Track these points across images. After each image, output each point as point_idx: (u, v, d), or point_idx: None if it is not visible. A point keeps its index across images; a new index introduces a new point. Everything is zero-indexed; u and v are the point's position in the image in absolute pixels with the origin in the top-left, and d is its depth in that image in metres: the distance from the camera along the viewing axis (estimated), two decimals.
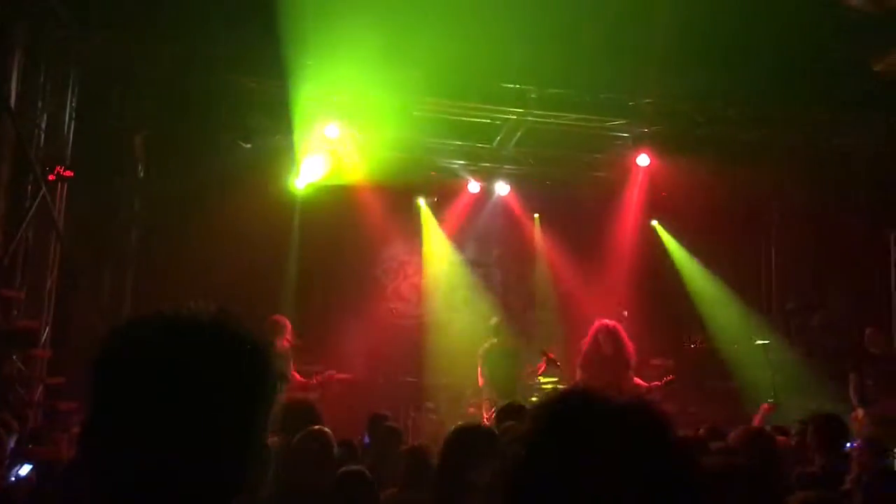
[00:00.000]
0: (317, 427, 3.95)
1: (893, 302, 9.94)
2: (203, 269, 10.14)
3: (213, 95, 8.90)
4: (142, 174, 10.05)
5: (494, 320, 9.71)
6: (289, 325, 8.79)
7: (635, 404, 1.29)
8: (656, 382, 8.82)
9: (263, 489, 3.16)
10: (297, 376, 8.91)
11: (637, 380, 8.69)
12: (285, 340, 8.67)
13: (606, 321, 8.74)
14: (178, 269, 10.03)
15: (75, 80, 8.58)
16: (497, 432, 4.79)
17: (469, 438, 2.97)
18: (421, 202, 11.92)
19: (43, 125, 8.13)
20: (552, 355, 8.96)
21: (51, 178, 7.97)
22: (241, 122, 9.27)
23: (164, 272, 9.91)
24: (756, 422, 8.42)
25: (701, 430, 5.68)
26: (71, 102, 8.56)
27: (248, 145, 9.63)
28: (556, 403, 1.29)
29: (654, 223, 12.15)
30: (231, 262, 10.21)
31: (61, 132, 8.46)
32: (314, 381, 8.93)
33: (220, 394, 1.08)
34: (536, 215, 12.34)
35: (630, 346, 8.48)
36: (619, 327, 8.59)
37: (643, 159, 10.62)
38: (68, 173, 8.17)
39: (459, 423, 2.95)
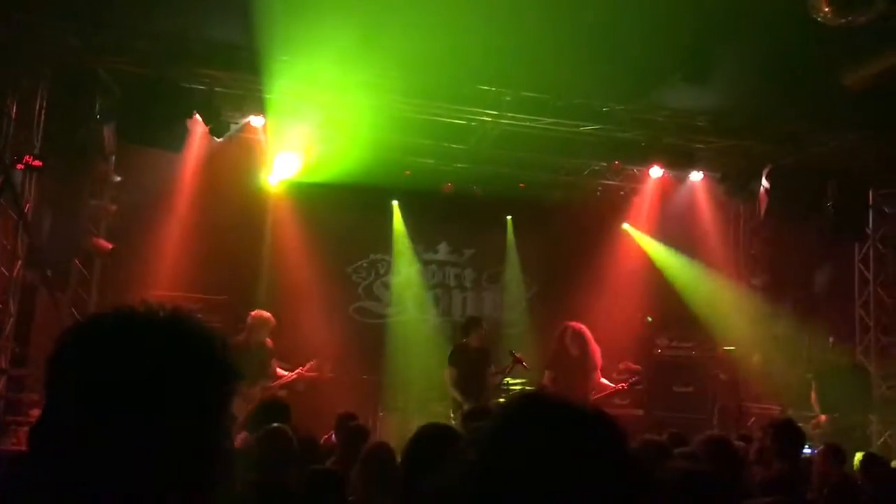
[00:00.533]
0: (276, 425, 3.93)
1: (857, 313, 10.11)
2: (173, 263, 10.09)
3: (184, 88, 8.82)
4: (112, 166, 9.94)
5: (466, 320, 9.73)
6: (273, 321, 8.76)
7: (593, 411, 1.31)
8: (622, 384, 8.91)
9: (230, 487, 3.14)
10: (280, 372, 8.93)
11: (603, 381, 8.77)
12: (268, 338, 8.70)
13: (574, 323, 8.82)
14: (148, 263, 9.95)
15: (46, 70, 8.47)
16: (463, 434, 4.82)
17: (432, 439, 2.99)
18: (394, 202, 11.91)
19: (12, 114, 8.03)
20: (520, 356, 9.01)
21: (19, 167, 7.86)
22: (213, 116, 9.19)
23: (133, 265, 9.82)
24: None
25: (664, 435, 5.76)
26: (41, 92, 8.45)
27: (220, 139, 9.56)
28: (515, 407, 1.31)
29: (626, 226, 12.27)
30: (202, 255, 10.17)
31: (31, 122, 8.36)
32: (296, 375, 8.93)
33: (171, 393, 1.07)
34: (509, 217, 12.41)
35: (596, 348, 8.56)
36: (585, 329, 8.67)
37: (616, 165, 10.73)
38: (37, 163, 8.06)
39: (423, 425, 2.97)
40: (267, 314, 8.86)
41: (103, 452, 1.04)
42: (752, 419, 10.14)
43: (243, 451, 4.41)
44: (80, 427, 1.05)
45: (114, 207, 9.83)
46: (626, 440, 1.29)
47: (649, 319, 10.42)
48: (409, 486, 2.94)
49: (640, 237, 12.15)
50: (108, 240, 9.84)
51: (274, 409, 4.99)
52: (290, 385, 8.91)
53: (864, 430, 8.92)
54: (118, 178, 9.95)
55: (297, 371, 8.99)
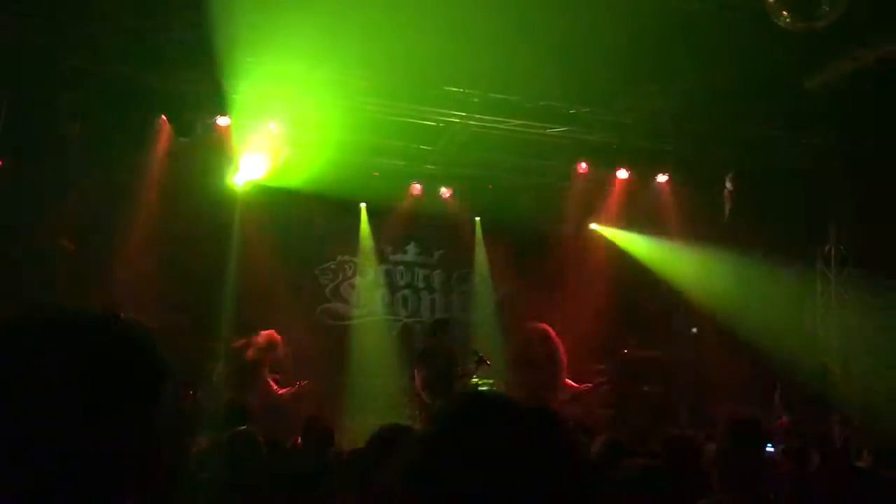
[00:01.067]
0: (243, 428, 3.91)
1: (818, 316, 10.24)
2: (137, 263, 9.97)
3: (150, 88, 8.73)
4: (74, 167, 9.80)
5: (434, 322, 9.72)
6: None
7: (536, 410, 1.31)
8: (588, 385, 8.96)
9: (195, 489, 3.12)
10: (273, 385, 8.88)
11: (568, 382, 8.82)
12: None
13: (540, 324, 8.85)
14: (112, 264, 9.83)
15: (8, 71, 8.34)
16: None
17: (388, 440, 2.98)
18: (361, 204, 11.87)
19: None
20: (483, 356, 9.04)
21: None
22: (178, 115, 9.11)
23: (98, 265, 9.69)
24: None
25: (626, 435, 5.81)
26: (4, 91, 8.32)
27: (187, 139, 9.47)
28: (455, 407, 1.30)
29: (593, 226, 12.33)
30: (168, 256, 10.06)
31: None
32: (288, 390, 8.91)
33: (85, 392, 1.06)
34: (478, 219, 12.42)
35: (562, 349, 8.60)
36: (552, 331, 8.71)
37: (582, 167, 10.79)
38: None
39: (381, 427, 2.96)
40: (277, 337, 8.91)
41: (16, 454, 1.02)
42: (719, 418, 10.23)
43: (209, 453, 4.38)
44: None
45: (78, 207, 9.68)
46: (570, 438, 1.28)
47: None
48: (365, 486, 2.93)
49: (610, 232, 12.19)
50: (71, 241, 9.70)
51: (234, 412, 4.95)
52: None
53: (825, 430, 9.05)
54: (82, 178, 9.81)
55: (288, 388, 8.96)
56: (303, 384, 8.92)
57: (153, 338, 1.19)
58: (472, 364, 9.02)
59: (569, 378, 8.90)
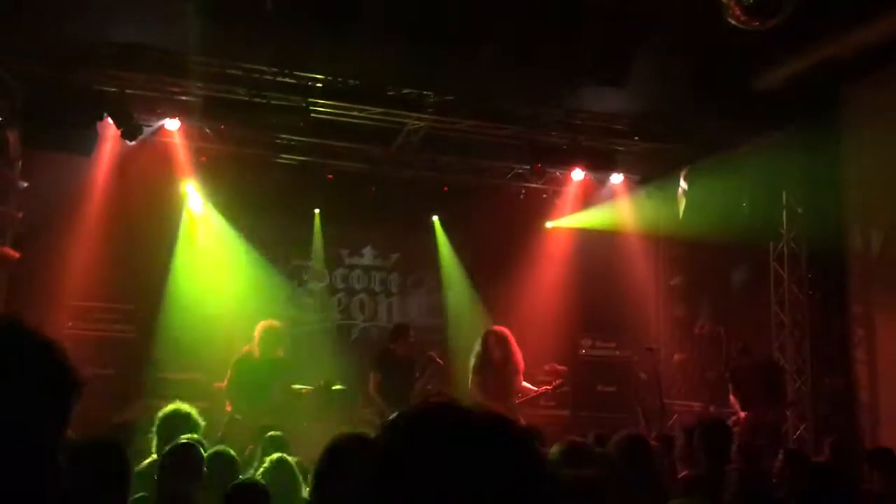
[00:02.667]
0: (185, 439, 3.76)
1: (773, 310, 10.36)
2: (83, 271, 9.72)
3: (94, 91, 8.51)
4: (18, 172, 9.52)
5: (392, 327, 9.61)
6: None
7: (495, 419, 1.23)
8: (546, 387, 8.94)
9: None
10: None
11: (526, 385, 8.78)
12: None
13: (497, 327, 8.81)
14: (58, 272, 9.56)
15: None
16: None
17: (344, 450, 2.89)
18: (315, 210, 11.71)
19: None
20: (433, 354, 9.00)
21: None
22: (125, 118, 8.89)
23: (43, 274, 9.42)
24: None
25: (589, 437, 5.76)
26: None
27: (133, 142, 9.24)
28: (413, 416, 1.23)
29: (549, 225, 12.36)
30: (114, 263, 9.83)
31: None
32: None
33: None
34: (435, 217, 12.31)
35: (518, 352, 8.57)
36: (509, 333, 8.67)
37: (538, 167, 10.79)
38: None
39: (336, 435, 2.86)
40: (276, 323, 8.58)
41: None
42: (675, 416, 10.31)
43: (152, 468, 4.23)
44: None
45: (20, 214, 9.40)
46: (532, 450, 1.21)
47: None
48: (321, 497, 2.83)
49: (567, 232, 12.22)
50: (14, 248, 9.41)
51: (178, 419, 4.79)
52: None
53: (779, 426, 9.16)
54: (24, 184, 9.53)
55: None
56: None
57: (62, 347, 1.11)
58: (423, 363, 8.96)
59: (527, 380, 8.87)
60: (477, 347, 8.64)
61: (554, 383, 9.03)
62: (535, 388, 8.85)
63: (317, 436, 9.69)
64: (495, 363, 8.48)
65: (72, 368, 1.11)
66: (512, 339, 8.59)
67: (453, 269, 12.43)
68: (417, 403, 1.28)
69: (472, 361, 8.68)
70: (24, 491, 1.03)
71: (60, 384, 1.09)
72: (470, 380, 8.71)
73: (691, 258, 11.52)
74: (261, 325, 8.44)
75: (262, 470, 3.93)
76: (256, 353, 8.33)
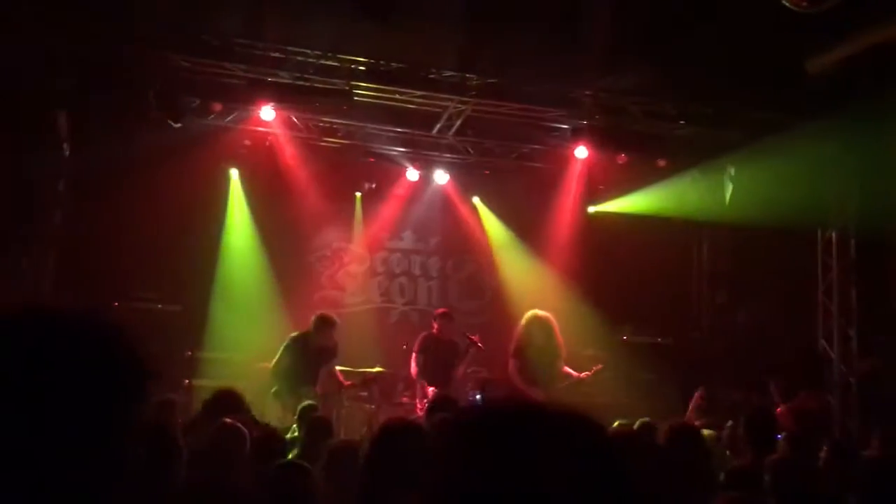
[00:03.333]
0: (227, 421, 3.78)
1: (819, 300, 10.18)
2: (130, 251, 9.87)
3: (141, 73, 8.60)
4: (66, 153, 9.68)
5: (435, 313, 9.60)
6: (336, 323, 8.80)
7: (574, 417, 1.20)
8: (586, 372, 8.90)
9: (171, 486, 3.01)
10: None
11: (567, 369, 8.76)
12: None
13: (539, 312, 8.77)
14: (104, 252, 9.72)
15: None
16: (427, 426, 4.72)
17: (396, 435, 2.89)
18: (357, 192, 11.73)
19: None
20: (475, 338, 8.99)
21: None
22: (170, 100, 8.97)
23: (89, 254, 9.59)
24: (690, 410, 8.59)
25: (636, 426, 5.72)
26: None
27: (178, 125, 9.33)
28: (490, 416, 1.20)
29: (591, 209, 12.22)
30: (160, 245, 9.96)
31: None
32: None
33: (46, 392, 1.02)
34: (476, 199, 12.22)
35: (560, 337, 8.54)
36: (552, 318, 8.64)
37: (581, 151, 10.68)
38: None
39: (388, 417, 2.87)
40: (330, 316, 8.76)
41: None
42: (718, 406, 10.19)
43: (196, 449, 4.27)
44: None
45: (69, 193, 9.58)
46: (611, 445, 1.19)
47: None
48: (372, 482, 2.84)
49: (609, 216, 12.10)
50: (63, 227, 9.61)
51: (226, 401, 4.83)
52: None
53: (825, 415, 9.03)
54: (73, 163, 9.69)
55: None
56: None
57: (136, 337, 1.13)
58: (464, 346, 8.96)
59: (568, 366, 8.84)
60: (519, 331, 8.62)
61: (594, 369, 8.99)
62: (577, 374, 8.81)
63: (358, 417, 9.82)
64: (536, 348, 8.46)
65: (146, 362, 1.13)
66: (555, 324, 8.56)
67: (493, 254, 12.39)
68: (486, 398, 1.25)
69: (514, 345, 8.67)
70: (99, 482, 1.05)
71: (135, 379, 1.11)
72: (510, 364, 8.71)
73: (736, 245, 11.33)
74: (317, 317, 8.58)
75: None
76: (311, 339, 8.44)
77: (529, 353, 8.64)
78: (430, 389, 8.59)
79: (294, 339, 8.55)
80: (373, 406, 9.34)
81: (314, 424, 5.75)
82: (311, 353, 8.48)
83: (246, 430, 3.78)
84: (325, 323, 8.61)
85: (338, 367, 9.09)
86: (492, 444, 1.11)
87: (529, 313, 8.85)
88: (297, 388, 8.15)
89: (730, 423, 5.70)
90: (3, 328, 1.06)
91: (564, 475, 1.08)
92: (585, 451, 1.12)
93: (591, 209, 12.26)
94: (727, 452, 5.65)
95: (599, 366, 9.16)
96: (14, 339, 1.04)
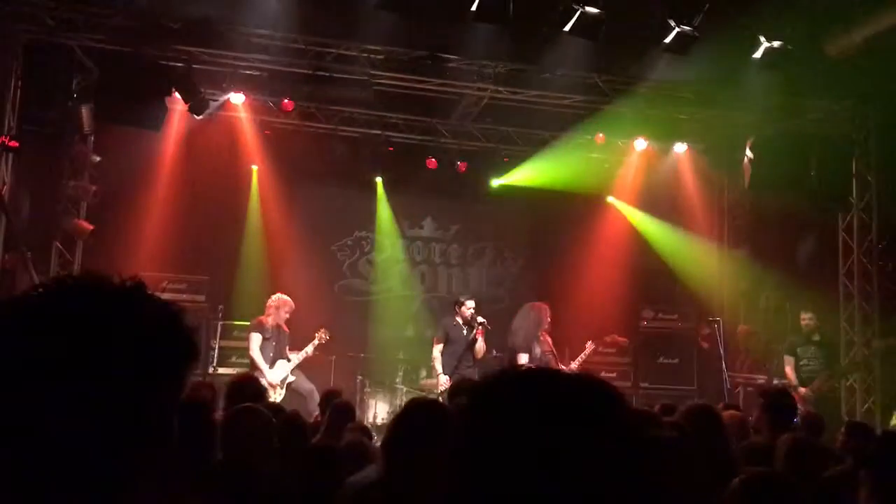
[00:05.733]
0: (248, 404, 3.84)
1: (840, 281, 10.15)
2: (155, 243, 10.01)
3: (162, 66, 8.70)
4: (90, 146, 9.82)
5: (455, 300, 9.62)
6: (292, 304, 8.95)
7: (588, 379, 1.23)
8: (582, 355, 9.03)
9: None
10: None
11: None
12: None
13: (540, 304, 8.87)
14: (129, 243, 9.86)
15: (20, 48, 8.32)
16: (450, 408, 4.79)
17: (419, 415, 2.96)
18: (378, 178, 11.79)
19: None
20: (483, 321, 9.00)
21: None
22: (192, 93, 9.07)
23: (115, 246, 9.73)
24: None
25: (657, 407, 5.76)
26: (16, 71, 8.30)
27: (200, 117, 9.44)
28: (504, 383, 1.21)
29: (611, 199, 12.24)
30: (184, 235, 10.10)
31: (6, 101, 8.22)
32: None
33: (103, 364, 1.02)
34: (496, 182, 12.20)
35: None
36: (542, 308, 8.75)
37: (599, 137, 10.69)
38: (14, 143, 7.93)
39: (411, 399, 2.94)
40: (286, 297, 8.91)
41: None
42: (738, 389, 10.21)
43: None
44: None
45: (94, 188, 9.71)
46: (626, 405, 1.20)
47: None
48: (396, 460, 2.91)
49: (625, 208, 12.14)
50: (88, 221, 9.74)
51: (246, 388, 4.92)
52: None
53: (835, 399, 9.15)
54: (97, 159, 9.83)
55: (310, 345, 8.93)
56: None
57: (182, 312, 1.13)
58: (477, 330, 8.97)
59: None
60: (521, 322, 8.69)
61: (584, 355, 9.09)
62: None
63: (379, 402, 9.93)
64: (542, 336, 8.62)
65: (192, 334, 1.12)
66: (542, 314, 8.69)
67: (513, 241, 12.43)
68: (501, 372, 1.24)
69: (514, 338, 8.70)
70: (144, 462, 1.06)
71: (181, 351, 1.10)
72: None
73: (757, 228, 11.29)
74: None
75: None
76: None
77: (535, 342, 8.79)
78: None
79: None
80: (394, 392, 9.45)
81: (337, 408, 5.83)
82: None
83: (269, 414, 3.84)
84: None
85: None
86: (507, 416, 1.12)
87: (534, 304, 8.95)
88: None
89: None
90: (49, 299, 1.06)
91: (582, 447, 1.09)
92: (602, 419, 1.13)
93: (610, 199, 12.28)
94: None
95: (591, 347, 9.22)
96: (59, 310, 1.03)
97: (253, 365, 8.55)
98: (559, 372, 1.22)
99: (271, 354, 8.63)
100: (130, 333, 1.05)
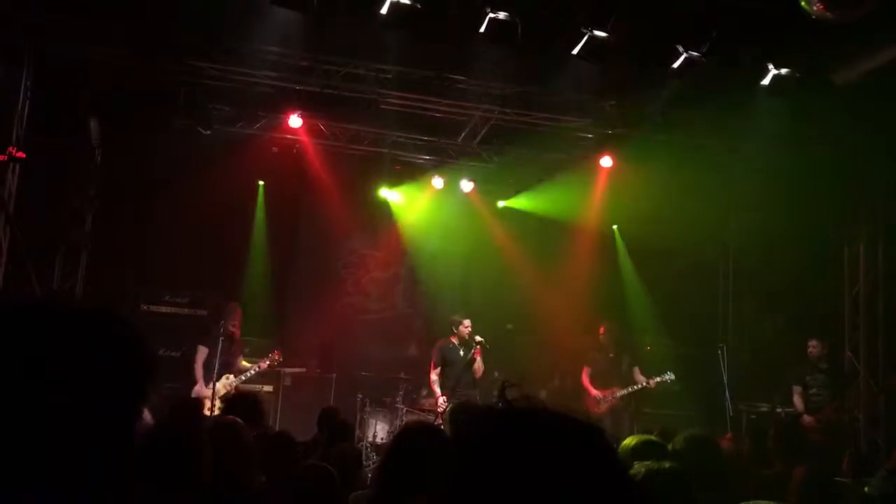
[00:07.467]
0: (229, 416, 3.81)
1: (847, 304, 10.09)
2: (160, 257, 10.02)
3: (171, 80, 8.75)
4: (98, 159, 9.86)
5: (452, 319, 9.62)
6: (238, 310, 8.81)
7: (585, 425, 1.22)
8: (655, 379, 9.68)
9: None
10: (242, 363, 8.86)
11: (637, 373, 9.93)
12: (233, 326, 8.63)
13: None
14: (133, 257, 9.88)
15: (30, 60, 8.37)
16: (448, 431, 4.77)
17: (416, 437, 2.94)
18: (384, 196, 11.80)
19: None
20: (480, 338, 9.01)
21: (1, 158, 7.75)
22: (200, 108, 9.11)
23: (119, 259, 9.75)
24: None
25: (654, 433, 5.71)
26: (25, 83, 8.35)
27: (208, 132, 9.47)
28: (503, 419, 1.21)
29: (615, 228, 12.21)
30: (190, 249, 10.10)
31: (14, 113, 8.25)
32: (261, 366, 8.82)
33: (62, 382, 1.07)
34: (501, 203, 12.23)
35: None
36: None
37: (606, 161, 10.68)
38: (21, 154, 7.95)
39: (408, 421, 2.91)
40: (232, 303, 8.87)
41: None
42: (742, 417, 10.13)
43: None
44: None
45: (99, 199, 9.74)
46: (615, 454, 1.20)
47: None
48: (393, 483, 2.89)
49: (621, 244, 12.18)
50: (94, 233, 9.76)
51: (240, 403, 4.90)
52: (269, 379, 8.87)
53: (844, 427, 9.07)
54: (104, 170, 9.86)
55: (257, 365, 8.85)
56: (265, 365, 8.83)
57: (141, 334, 1.18)
58: (475, 348, 9.01)
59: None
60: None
61: (663, 378, 9.73)
62: (645, 380, 9.68)
63: (380, 421, 9.89)
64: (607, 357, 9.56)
65: (149, 352, 1.16)
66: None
67: (516, 262, 12.41)
68: (505, 400, 1.24)
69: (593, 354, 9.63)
70: (103, 474, 1.10)
71: (138, 368, 1.14)
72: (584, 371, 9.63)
73: (761, 252, 11.24)
74: None
75: None
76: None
77: (602, 358, 9.68)
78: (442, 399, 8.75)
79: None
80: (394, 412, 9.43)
81: (336, 428, 5.81)
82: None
83: (242, 423, 3.77)
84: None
85: None
86: (497, 450, 1.13)
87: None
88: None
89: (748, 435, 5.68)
90: (10, 320, 1.10)
91: (567, 483, 1.10)
92: (587, 459, 1.13)
93: (615, 227, 12.25)
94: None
95: (671, 376, 9.39)
96: (19, 333, 1.09)
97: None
98: (555, 415, 1.21)
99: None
100: (84, 351, 1.10)
